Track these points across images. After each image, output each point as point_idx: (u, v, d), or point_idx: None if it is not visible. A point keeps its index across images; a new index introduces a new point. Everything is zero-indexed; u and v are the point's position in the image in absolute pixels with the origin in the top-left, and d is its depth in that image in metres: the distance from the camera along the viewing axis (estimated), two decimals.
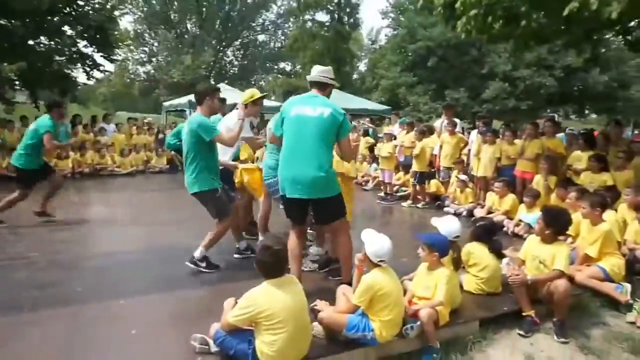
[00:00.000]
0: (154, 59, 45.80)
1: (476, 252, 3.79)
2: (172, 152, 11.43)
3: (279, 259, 2.50)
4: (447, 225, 3.40)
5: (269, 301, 2.45)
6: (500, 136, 7.52)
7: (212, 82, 33.98)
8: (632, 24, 6.70)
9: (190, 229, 5.86)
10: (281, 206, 3.81)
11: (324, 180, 3.31)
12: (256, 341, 2.50)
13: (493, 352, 3.15)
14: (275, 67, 47.98)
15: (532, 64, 19.85)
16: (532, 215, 5.52)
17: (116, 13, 12.93)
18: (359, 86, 31.07)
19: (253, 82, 44.77)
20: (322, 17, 30.61)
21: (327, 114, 3.34)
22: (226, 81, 43.55)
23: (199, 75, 38.05)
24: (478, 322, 3.36)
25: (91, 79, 14.10)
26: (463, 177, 7.43)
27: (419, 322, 3.00)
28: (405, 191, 8.74)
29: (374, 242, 2.91)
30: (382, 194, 8.69)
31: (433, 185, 8.21)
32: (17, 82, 12.50)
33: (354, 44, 41.91)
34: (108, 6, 12.49)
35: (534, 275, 3.50)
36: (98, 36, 12.82)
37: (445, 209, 7.50)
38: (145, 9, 41.66)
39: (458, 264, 3.44)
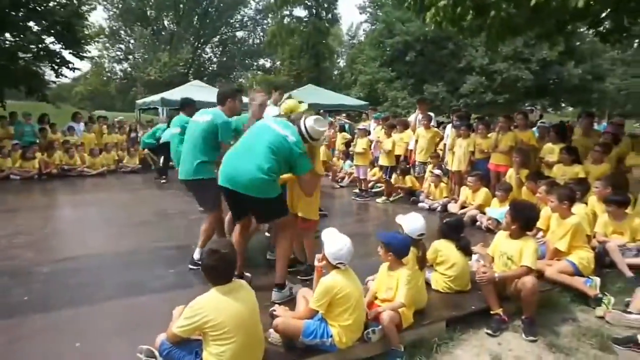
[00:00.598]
0: (130, 57, 44.95)
1: (444, 249, 3.69)
2: (146, 150, 11.14)
3: (226, 263, 2.34)
4: (410, 223, 3.27)
5: (216, 309, 2.28)
6: (474, 130, 7.48)
7: (190, 79, 33.64)
8: (603, 15, 6.69)
9: (159, 229, 5.71)
10: None
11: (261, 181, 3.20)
12: (204, 352, 2.34)
13: (460, 352, 3.05)
14: (255, 63, 47.56)
15: (508, 57, 19.98)
16: (498, 210, 5.48)
17: (83, 8, 12.47)
18: (339, 82, 30.90)
19: (232, 79, 44.28)
20: (300, 12, 30.41)
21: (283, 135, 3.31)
22: (205, 78, 43.11)
23: (177, 73, 37.50)
24: (444, 322, 3.26)
25: (60, 76, 13.60)
26: (437, 171, 7.36)
27: (380, 326, 2.88)
28: (380, 187, 8.65)
29: (333, 242, 2.77)
30: (357, 190, 8.56)
31: (408, 180, 8.12)
32: None
33: (334, 40, 41.80)
34: (75, 1, 12.03)
35: (501, 272, 3.41)
36: (66, 32, 12.38)
37: (420, 204, 7.44)
38: (120, 5, 40.73)
39: (423, 263, 3.32)
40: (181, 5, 42.57)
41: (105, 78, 46.93)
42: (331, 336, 2.69)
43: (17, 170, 9.97)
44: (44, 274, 4.03)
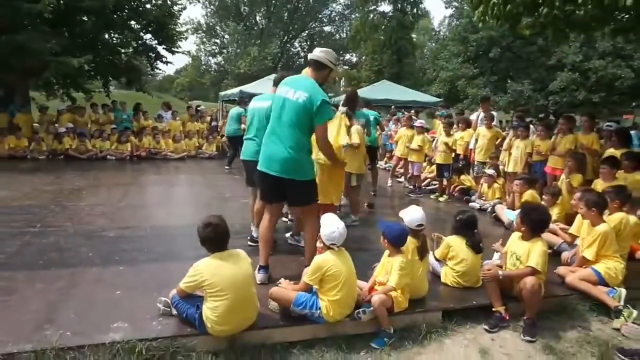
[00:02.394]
0: (224, 51, 47.96)
1: (454, 245, 3.77)
2: (224, 138, 12.01)
3: (218, 234, 2.75)
4: (409, 214, 3.43)
5: (210, 272, 2.71)
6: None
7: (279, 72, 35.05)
8: None
9: (214, 210, 6.25)
10: None
11: (294, 162, 3.46)
12: (203, 306, 2.77)
13: (449, 342, 3.17)
14: (341, 58, 48.21)
15: (607, 53, 18.18)
16: (515, 212, 5.34)
17: (175, 8, 13.82)
18: (421, 78, 30.28)
19: None
20: (385, 7, 30.22)
21: (302, 100, 3.44)
22: (292, 72, 44.39)
23: (265, 66, 39.33)
24: (441, 312, 3.38)
25: (155, 69, 15.21)
26: (490, 172, 7.19)
27: (372, 307, 3.11)
28: (436, 184, 8.61)
29: (328, 225, 3.05)
30: (410, 186, 8.62)
31: (465, 180, 8.02)
32: (92, 73, 13.86)
33: (424, 34, 40.84)
34: (168, 2, 13.39)
35: (505, 271, 3.44)
36: (160, 30, 13.81)
37: (471, 204, 7.33)
38: (216, 2, 43.64)
39: (422, 253, 3.45)
40: (273, 1, 44.42)
41: (201, 71, 50.53)
42: (319, 309, 2.98)
43: (113, 152, 11.45)
44: (109, 237, 4.81)
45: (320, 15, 46.84)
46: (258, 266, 3.64)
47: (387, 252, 3.40)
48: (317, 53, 3.66)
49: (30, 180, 7.93)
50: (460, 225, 3.80)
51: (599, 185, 5.13)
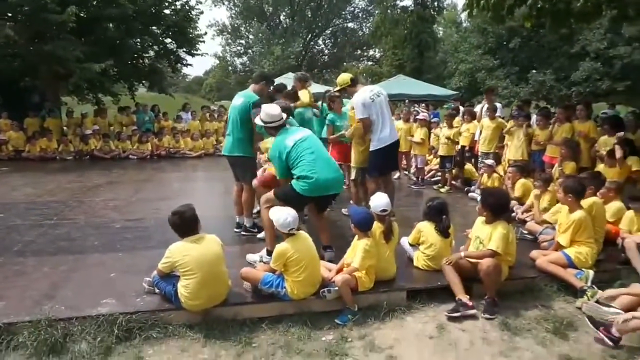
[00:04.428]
0: (249, 51, 48.76)
1: (424, 230, 3.96)
2: None
3: (184, 220, 3.08)
4: (374, 200, 3.66)
5: (181, 253, 3.05)
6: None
7: (303, 71, 35.58)
8: None
9: (219, 202, 6.59)
10: None
11: None
12: (178, 284, 3.10)
13: (410, 320, 3.39)
14: (365, 54, 48.19)
15: (633, 38, 17.50)
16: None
17: (193, 13, 14.36)
18: (442, 71, 29.97)
19: (344, 70, 45.38)
20: (407, 1, 30.04)
21: None
22: (315, 70, 44.94)
23: (289, 65, 39.80)
24: (405, 292, 3.59)
25: (176, 72, 15.83)
26: (489, 162, 7.24)
27: (337, 287, 3.36)
28: (439, 176, 8.72)
29: (279, 216, 3.31)
30: (414, 178, 8.76)
31: (467, 171, 8.11)
32: (116, 77, 14.59)
33: (450, 27, 40.15)
34: (186, 7, 13.96)
35: (467, 252, 3.61)
36: (179, 34, 14.39)
37: (470, 194, 7.42)
38: (240, 4, 44.41)
39: (387, 236, 3.65)
40: (296, 0, 44.80)
41: (228, 71, 51.55)
42: (284, 288, 3.26)
43: (135, 151, 12.08)
44: (115, 228, 5.24)
45: (343, 12, 46.87)
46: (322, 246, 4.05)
47: (356, 236, 3.64)
48: None
49: (55, 179, 8.55)
50: (430, 212, 3.98)
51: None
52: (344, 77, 5.62)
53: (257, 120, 4.14)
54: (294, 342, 3.04)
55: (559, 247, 4.07)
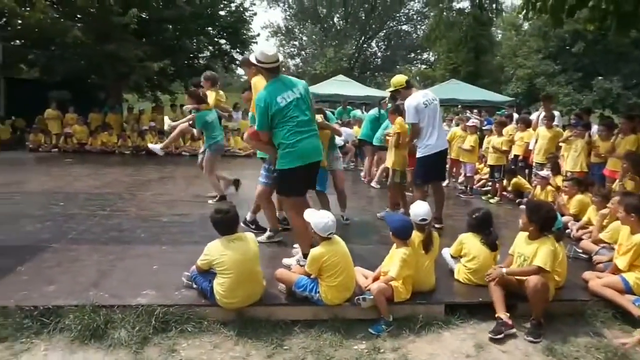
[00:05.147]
0: (302, 53, 49.35)
1: (467, 242, 3.81)
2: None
3: (226, 220, 3.12)
4: (414, 209, 3.55)
5: (218, 252, 3.10)
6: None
7: (355, 73, 35.60)
8: None
9: None
10: None
11: None
12: (214, 281, 3.16)
13: (447, 335, 3.24)
14: (418, 57, 47.41)
15: None
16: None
17: (247, 14, 14.73)
18: (499, 75, 28.82)
19: (397, 73, 44.81)
20: (463, 4, 29.16)
21: None
22: (368, 72, 44.63)
23: (341, 67, 39.86)
24: (443, 306, 3.45)
25: (229, 72, 16.31)
26: (543, 173, 6.86)
27: (372, 296, 3.29)
28: (490, 186, 8.38)
29: (319, 219, 3.28)
30: (462, 187, 8.47)
31: (516, 183, 7.74)
32: (173, 76, 15.24)
33: (511, 29, 38.54)
34: (240, 9, 14.34)
35: (509, 269, 3.42)
36: (234, 35, 14.82)
37: (521, 206, 7.04)
38: (295, 5, 45.05)
39: (427, 247, 3.53)
40: (351, 1, 44.79)
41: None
42: (318, 292, 3.23)
43: (187, 149, 12.53)
44: (162, 222, 5.45)
45: (398, 15, 46.33)
46: None
47: (395, 244, 3.56)
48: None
49: (113, 172, 9.04)
50: (475, 223, 3.82)
51: None
52: (400, 79, 5.51)
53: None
54: (326, 348, 3.00)
55: (616, 270, 3.77)
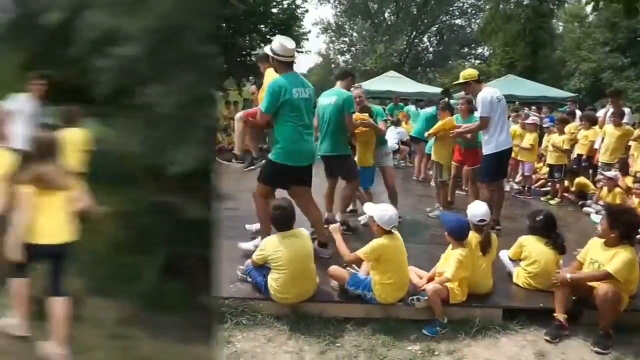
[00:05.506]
0: (352, 49, 49.11)
1: (528, 245, 3.64)
2: None
3: (283, 215, 3.16)
4: (472, 209, 3.43)
5: (274, 248, 3.15)
6: None
7: (406, 69, 35.02)
8: None
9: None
10: None
11: None
12: (268, 276, 3.22)
13: (505, 341, 3.12)
14: (472, 52, 45.91)
15: None
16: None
17: (298, 11, 14.86)
18: (560, 70, 27.28)
19: (449, 69, 43.66)
20: None
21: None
22: (419, 68, 43.74)
23: (391, 63, 39.34)
24: (501, 310, 3.32)
25: None
26: (609, 173, 6.41)
27: (427, 296, 3.22)
28: (550, 186, 7.96)
29: (382, 212, 3.24)
30: (519, 187, 8.10)
31: (578, 183, 7.30)
32: (226, 73, 15.63)
33: (573, 21, 36.31)
34: (293, 6, 14.48)
35: (574, 274, 3.23)
36: (286, 32, 14.97)
37: (585, 209, 6.67)
38: (345, 2, 44.85)
39: (484, 248, 3.41)
40: None
41: (330, 69, 52.49)
42: (371, 290, 3.21)
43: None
44: (225, 216, 5.49)
45: (451, 9, 45.02)
46: None
47: (450, 245, 3.47)
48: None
49: None
50: (538, 225, 3.64)
51: None
52: (471, 71, 5.34)
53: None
54: (378, 347, 2.97)
55: None
